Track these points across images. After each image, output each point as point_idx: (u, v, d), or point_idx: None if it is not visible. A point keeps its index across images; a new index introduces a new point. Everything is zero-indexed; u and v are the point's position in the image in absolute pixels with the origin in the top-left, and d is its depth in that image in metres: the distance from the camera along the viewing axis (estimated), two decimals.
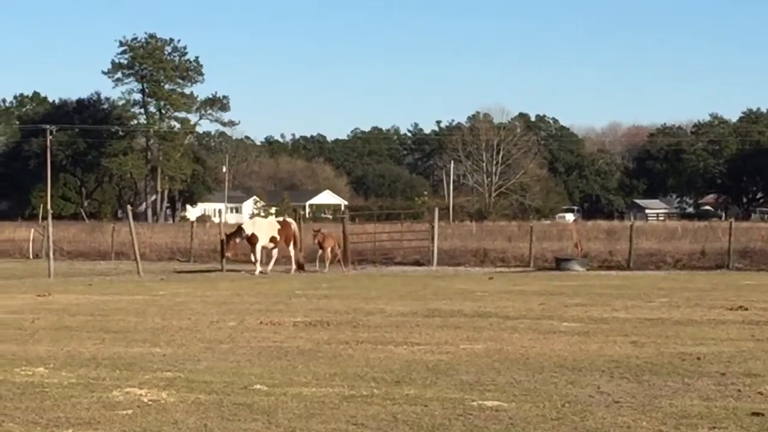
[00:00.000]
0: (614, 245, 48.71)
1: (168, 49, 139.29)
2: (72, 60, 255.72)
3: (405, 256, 49.32)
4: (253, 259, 40.38)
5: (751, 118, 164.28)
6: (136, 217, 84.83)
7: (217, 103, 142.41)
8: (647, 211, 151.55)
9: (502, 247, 50.29)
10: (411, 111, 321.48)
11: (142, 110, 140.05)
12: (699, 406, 11.24)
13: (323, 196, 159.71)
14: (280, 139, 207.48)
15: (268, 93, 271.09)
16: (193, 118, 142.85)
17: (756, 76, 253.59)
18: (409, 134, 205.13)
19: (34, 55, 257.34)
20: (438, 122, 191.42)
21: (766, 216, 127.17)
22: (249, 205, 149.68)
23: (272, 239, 40.85)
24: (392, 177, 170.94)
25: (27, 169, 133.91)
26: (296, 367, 14.07)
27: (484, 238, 55.58)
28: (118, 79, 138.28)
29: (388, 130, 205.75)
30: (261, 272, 39.55)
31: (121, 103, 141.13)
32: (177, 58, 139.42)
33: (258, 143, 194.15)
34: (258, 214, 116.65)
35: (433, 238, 47.81)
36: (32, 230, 59.72)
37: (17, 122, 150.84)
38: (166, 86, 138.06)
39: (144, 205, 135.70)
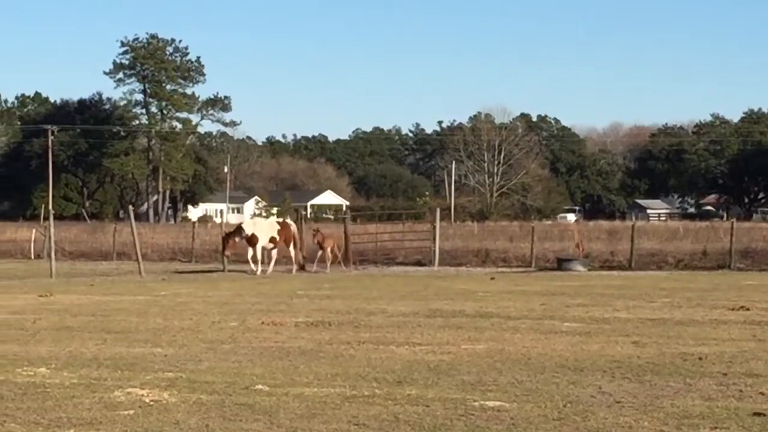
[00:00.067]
0: (616, 245, 48.73)
1: (169, 49, 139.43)
2: (73, 60, 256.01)
3: (406, 256, 49.32)
4: (250, 258, 40.36)
5: (752, 118, 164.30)
6: (138, 217, 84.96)
7: (219, 103, 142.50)
8: (649, 211, 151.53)
9: (503, 248, 50.30)
10: (412, 111, 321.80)
11: (144, 110, 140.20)
12: (701, 407, 11.24)
13: (325, 196, 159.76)
14: (282, 140, 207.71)
15: (269, 93, 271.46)
16: (194, 118, 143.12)
17: (757, 76, 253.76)
18: (410, 134, 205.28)
19: (35, 56, 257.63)
20: (439, 122, 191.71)
21: (767, 216, 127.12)
22: (251, 206, 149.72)
23: (272, 240, 40.87)
24: (394, 177, 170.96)
25: (28, 170, 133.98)
26: (298, 368, 14.07)
27: (485, 239, 55.58)
28: (119, 80, 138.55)
29: (389, 130, 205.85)
30: (262, 271, 39.57)
31: (122, 103, 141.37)
32: (178, 59, 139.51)
33: (259, 143, 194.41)
34: (260, 215, 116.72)
35: (434, 239, 47.82)
36: (34, 231, 59.77)
37: (19, 122, 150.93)
38: (168, 86, 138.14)
39: (145, 206, 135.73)
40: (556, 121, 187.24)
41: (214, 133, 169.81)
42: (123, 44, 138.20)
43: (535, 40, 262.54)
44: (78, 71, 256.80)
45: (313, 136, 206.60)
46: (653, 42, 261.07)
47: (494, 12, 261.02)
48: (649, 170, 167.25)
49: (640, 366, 14.08)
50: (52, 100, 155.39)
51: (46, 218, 50.21)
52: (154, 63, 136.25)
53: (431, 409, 11.13)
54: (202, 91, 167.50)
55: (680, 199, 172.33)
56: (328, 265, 42.58)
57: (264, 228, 41.51)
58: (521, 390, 12.28)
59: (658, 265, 44.23)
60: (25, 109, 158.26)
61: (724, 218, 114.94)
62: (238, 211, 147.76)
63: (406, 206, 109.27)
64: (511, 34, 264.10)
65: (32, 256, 56.46)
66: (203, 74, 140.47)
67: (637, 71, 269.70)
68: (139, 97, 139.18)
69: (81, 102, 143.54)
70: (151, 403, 11.61)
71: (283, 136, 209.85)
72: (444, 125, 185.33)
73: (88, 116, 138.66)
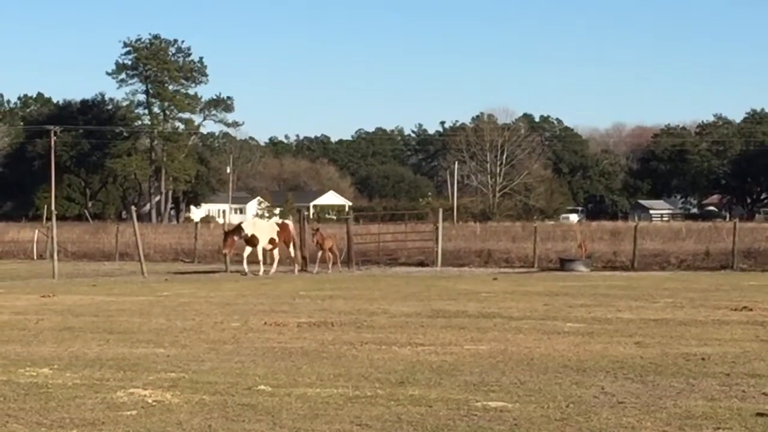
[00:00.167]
0: (618, 246, 48.71)
1: (172, 50, 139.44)
2: (76, 61, 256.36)
3: (409, 256, 49.32)
4: (245, 258, 40.38)
5: (755, 118, 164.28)
6: (140, 218, 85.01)
7: (221, 103, 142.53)
8: (651, 211, 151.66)
9: (506, 248, 50.28)
10: (415, 112, 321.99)
11: (146, 111, 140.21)
12: (703, 407, 11.23)
13: (327, 196, 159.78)
14: (284, 140, 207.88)
15: (272, 94, 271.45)
16: (197, 118, 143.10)
17: (760, 76, 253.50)
18: (413, 135, 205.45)
19: (38, 56, 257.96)
20: (442, 123, 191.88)
21: None
22: (253, 206, 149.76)
23: (271, 241, 40.88)
24: (396, 178, 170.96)
25: (31, 170, 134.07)
26: (300, 368, 14.07)
27: (488, 239, 55.58)
28: (122, 80, 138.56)
29: (392, 131, 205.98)
30: (264, 272, 39.58)
31: (125, 104, 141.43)
32: (181, 59, 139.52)
33: (262, 144, 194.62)
34: (262, 215, 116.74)
35: (437, 239, 47.81)
36: (36, 231, 59.81)
37: (21, 123, 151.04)
38: (170, 87, 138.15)
39: (148, 206, 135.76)
40: (559, 121, 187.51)
41: (217, 134, 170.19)
42: (126, 45, 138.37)
43: (537, 40, 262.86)
44: (81, 72, 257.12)
45: (316, 137, 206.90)
46: (656, 42, 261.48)
47: (496, 12, 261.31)
48: (652, 171, 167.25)
49: (642, 366, 14.07)
50: (54, 101, 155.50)
51: (49, 219, 50.28)
52: (156, 63, 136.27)
53: (434, 410, 11.12)
54: (204, 91, 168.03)
55: (683, 200, 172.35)
56: (330, 265, 42.58)
57: (264, 229, 41.50)
58: (524, 390, 12.27)
59: (661, 266, 44.22)
60: (28, 110, 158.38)
61: (727, 219, 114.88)
62: (241, 212, 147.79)
63: (408, 207, 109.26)
64: (514, 35, 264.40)
65: (35, 257, 56.49)
66: (206, 75, 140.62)
67: (640, 72, 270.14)
68: (142, 97, 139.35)
69: (84, 102, 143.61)
70: (154, 403, 11.61)
71: (286, 137, 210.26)
72: (446, 126, 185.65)
73: (91, 117, 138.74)
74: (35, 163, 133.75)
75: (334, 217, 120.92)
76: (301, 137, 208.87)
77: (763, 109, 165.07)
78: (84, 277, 39.02)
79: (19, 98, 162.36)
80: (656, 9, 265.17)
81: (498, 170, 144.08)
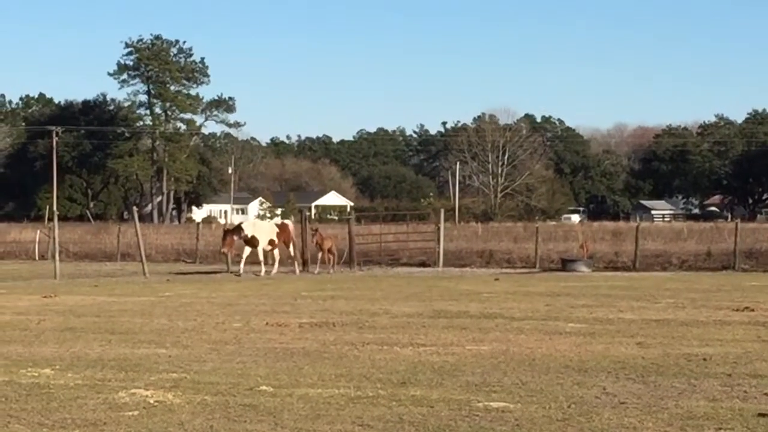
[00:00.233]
0: (620, 246, 48.69)
1: (174, 50, 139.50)
2: (78, 61, 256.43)
3: (411, 257, 49.31)
4: (244, 258, 40.45)
5: (756, 119, 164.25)
6: (142, 218, 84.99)
7: (223, 104, 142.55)
8: (653, 212, 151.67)
9: (507, 249, 50.27)
10: (417, 112, 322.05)
11: (148, 111, 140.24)
12: (705, 407, 11.23)
13: (329, 197, 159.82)
14: (286, 141, 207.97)
15: (273, 94, 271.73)
16: (198, 119, 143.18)
17: (762, 77, 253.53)
18: (414, 135, 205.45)
19: (39, 57, 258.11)
20: (444, 123, 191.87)
21: None
22: (255, 207, 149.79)
23: (270, 242, 40.90)
24: (398, 178, 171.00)
25: (33, 171, 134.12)
26: (302, 369, 14.07)
27: (489, 240, 55.58)
28: (123, 81, 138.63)
29: (393, 131, 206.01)
30: (266, 272, 39.61)
31: (126, 104, 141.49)
32: (183, 60, 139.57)
33: (264, 144, 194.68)
34: (264, 216, 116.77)
35: (438, 240, 47.81)
36: (38, 231, 59.82)
37: (23, 123, 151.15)
38: (172, 87, 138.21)
39: (150, 207, 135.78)
40: (560, 121, 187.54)
41: (218, 134, 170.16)
42: (127, 45, 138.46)
43: (539, 40, 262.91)
44: (82, 72, 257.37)
45: (318, 137, 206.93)
46: (658, 42, 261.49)
47: (498, 13, 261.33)
48: (653, 171, 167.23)
49: (644, 367, 14.07)
50: (56, 101, 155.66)
51: (51, 219, 50.30)
52: (158, 64, 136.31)
53: (435, 410, 11.13)
54: (206, 92, 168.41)
55: (684, 200, 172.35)
56: (331, 265, 42.58)
57: (264, 230, 41.47)
58: (525, 391, 12.27)
59: (663, 266, 44.20)
60: (30, 110, 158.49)
61: (729, 219, 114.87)
62: (243, 212, 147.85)
63: (410, 207, 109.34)
64: (515, 35, 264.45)
65: (36, 257, 56.50)
66: (207, 75, 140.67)
67: (642, 72, 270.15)
68: (144, 98, 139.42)
69: (85, 103, 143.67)
70: (156, 403, 11.62)
71: (287, 137, 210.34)
72: (448, 126, 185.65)
73: (93, 117, 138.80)
74: (37, 163, 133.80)
75: (336, 218, 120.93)
76: (303, 138, 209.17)
77: (764, 110, 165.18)
78: (86, 278, 39.02)
79: (20, 99, 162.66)
80: (658, 9, 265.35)
81: (499, 170, 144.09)
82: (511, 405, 11.40)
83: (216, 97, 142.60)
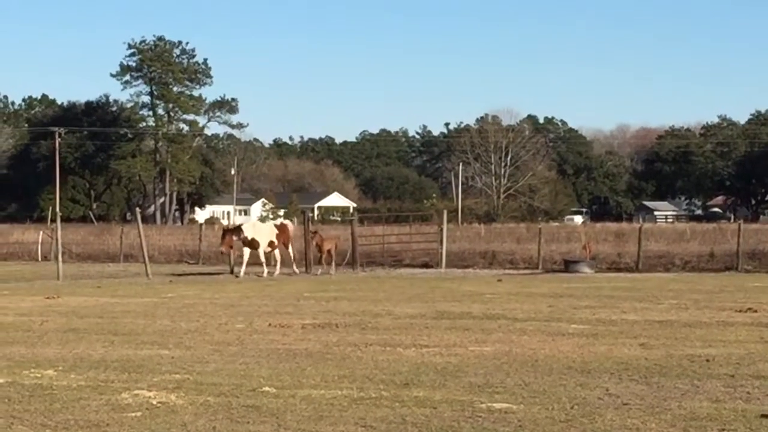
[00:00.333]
0: (623, 247, 48.64)
1: (176, 51, 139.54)
2: (80, 62, 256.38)
3: (413, 258, 49.25)
4: (244, 261, 40.41)
5: (759, 120, 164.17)
6: (145, 219, 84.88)
7: (226, 105, 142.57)
8: (656, 213, 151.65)
9: (510, 249, 50.22)
10: (419, 113, 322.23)
11: (151, 113, 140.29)
12: (708, 408, 11.23)
13: (332, 198, 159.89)
14: (289, 142, 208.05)
15: (276, 95, 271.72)
16: (201, 120, 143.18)
17: (764, 77, 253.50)
18: (417, 136, 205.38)
19: (42, 58, 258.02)
20: (446, 124, 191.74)
21: None
22: (257, 208, 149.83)
23: (270, 243, 40.89)
24: (401, 179, 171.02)
25: (35, 172, 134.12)
26: (305, 370, 14.07)
27: (492, 240, 55.54)
28: (126, 82, 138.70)
29: (396, 132, 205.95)
30: (268, 273, 39.60)
31: (129, 105, 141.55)
32: (185, 61, 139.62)
33: (266, 145, 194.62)
34: (267, 217, 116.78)
35: (441, 241, 47.77)
36: (41, 233, 59.84)
37: (26, 125, 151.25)
38: (175, 88, 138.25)
39: (152, 208, 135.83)
40: (563, 122, 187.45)
41: (221, 135, 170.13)
42: (130, 46, 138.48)
43: (542, 41, 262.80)
44: (85, 73, 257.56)
45: (320, 138, 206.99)
46: (661, 43, 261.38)
47: (501, 13, 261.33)
48: (656, 172, 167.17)
49: (647, 368, 14.07)
50: (59, 102, 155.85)
51: (53, 220, 50.26)
52: (161, 65, 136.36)
53: (438, 411, 11.13)
54: (208, 93, 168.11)
55: (687, 201, 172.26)
56: (333, 267, 42.56)
57: (264, 232, 41.43)
58: (528, 392, 12.27)
59: (665, 267, 44.16)
60: (33, 111, 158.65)
61: (732, 220, 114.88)
62: (245, 213, 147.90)
63: (413, 208, 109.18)
64: (518, 36, 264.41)
65: (39, 258, 56.51)
66: (210, 76, 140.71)
67: (644, 73, 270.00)
68: (146, 99, 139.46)
69: (88, 104, 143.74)
70: (159, 405, 11.62)
71: (290, 138, 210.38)
72: (451, 127, 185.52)
73: (95, 118, 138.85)
74: (40, 164, 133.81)
75: (339, 219, 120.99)
76: (306, 139, 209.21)
77: (767, 111, 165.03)
78: (88, 279, 39.04)
79: (23, 100, 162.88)
80: (661, 9, 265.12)
81: (502, 171, 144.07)
82: (514, 406, 11.40)
83: (219, 98, 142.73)
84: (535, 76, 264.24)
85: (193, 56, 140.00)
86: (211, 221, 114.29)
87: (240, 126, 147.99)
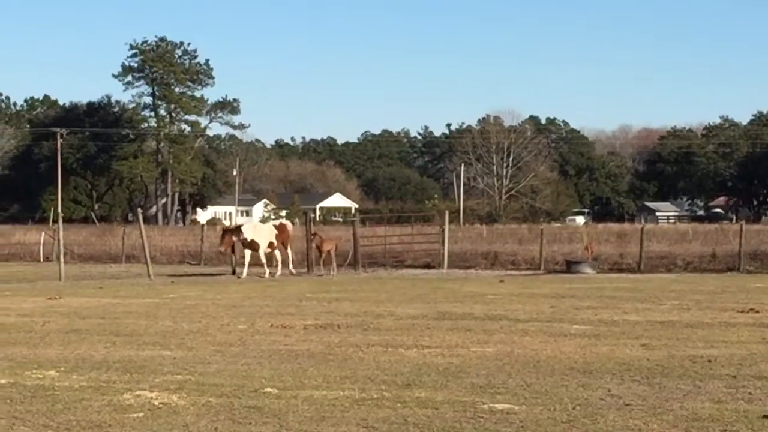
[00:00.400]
0: (625, 248, 48.62)
1: (178, 52, 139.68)
2: (82, 63, 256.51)
3: (415, 259, 49.22)
4: (246, 263, 40.45)
5: (761, 120, 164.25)
6: (147, 220, 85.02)
7: (228, 106, 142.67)
8: (657, 213, 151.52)
9: (512, 250, 50.19)
10: (421, 114, 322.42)
11: (153, 113, 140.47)
12: (710, 409, 11.22)
13: (333, 198, 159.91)
14: (291, 142, 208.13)
15: (278, 96, 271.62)
16: (203, 121, 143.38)
17: (766, 78, 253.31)
18: (419, 137, 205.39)
19: (44, 59, 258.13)
20: (448, 125, 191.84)
21: None
22: (259, 208, 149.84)
23: (270, 245, 40.90)
24: (402, 180, 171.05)
25: (37, 173, 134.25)
26: (307, 370, 14.07)
27: (494, 241, 55.52)
28: (128, 83, 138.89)
29: (398, 133, 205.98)
30: (270, 274, 39.60)
31: (131, 106, 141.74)
32: (187, 61, 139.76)
33: (268, 146, 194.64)
34: (268, 218, 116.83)
35: (443, 241, 47.75)
36: (43, 233, 59.85)
37: (28, 125, 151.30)
38: (177, 89, 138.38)
39: (154, 208, 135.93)
40: (565, 123, 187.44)
41: (223, 136, 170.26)
42: (132, 47, 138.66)
43: (544, 42, 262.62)
44: (87, 74, 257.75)
45: (322, 139, 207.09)
46: (663, 44, 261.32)
47: (503, 14, 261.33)
48: (658, 173, 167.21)
49: (649, 368, 14.06)
50: (61, 103, 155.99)
51: (55, 221, 50.30)
52: (162, 66, 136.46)
53: (440, 412, 11.12)
54: (210, 93, 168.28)
55: (689, 202, 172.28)
56: (335, 267, 42.54)
57: (263, 233, 41.41)
58: (530, 393, 12.27)
59: (667, 268, 44.14)
60: (34, 112, 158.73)
61: (733, 220, 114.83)
62: (247, 214, 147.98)
63: (414, 209, 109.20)
64: (520, 37, 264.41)
65: (41, 259, 56.51)
66: (212, 77, 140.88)
67: (646, 73, 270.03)
68: (148, 99, 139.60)
69: (90, 105, 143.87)
70: (160, 405, 11.62)
71: (292, 139, 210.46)
72: (453, 128, 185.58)
73: (97, 119, 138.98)
74: (41, 165, 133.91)
75: (341, 219, 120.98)
76: (308, 139, 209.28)
77: None
78: (90, 280, 39.04)
79: (25, 101, 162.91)
80: (663, 10, 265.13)
81: (504, 172, 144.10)
82: (515, 407, 11.40)
83: (221, 99, 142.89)
84: (537, 76, 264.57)
85: (195, 57, 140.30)
86: (213, 222, 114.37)
87: (242, 127, 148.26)
